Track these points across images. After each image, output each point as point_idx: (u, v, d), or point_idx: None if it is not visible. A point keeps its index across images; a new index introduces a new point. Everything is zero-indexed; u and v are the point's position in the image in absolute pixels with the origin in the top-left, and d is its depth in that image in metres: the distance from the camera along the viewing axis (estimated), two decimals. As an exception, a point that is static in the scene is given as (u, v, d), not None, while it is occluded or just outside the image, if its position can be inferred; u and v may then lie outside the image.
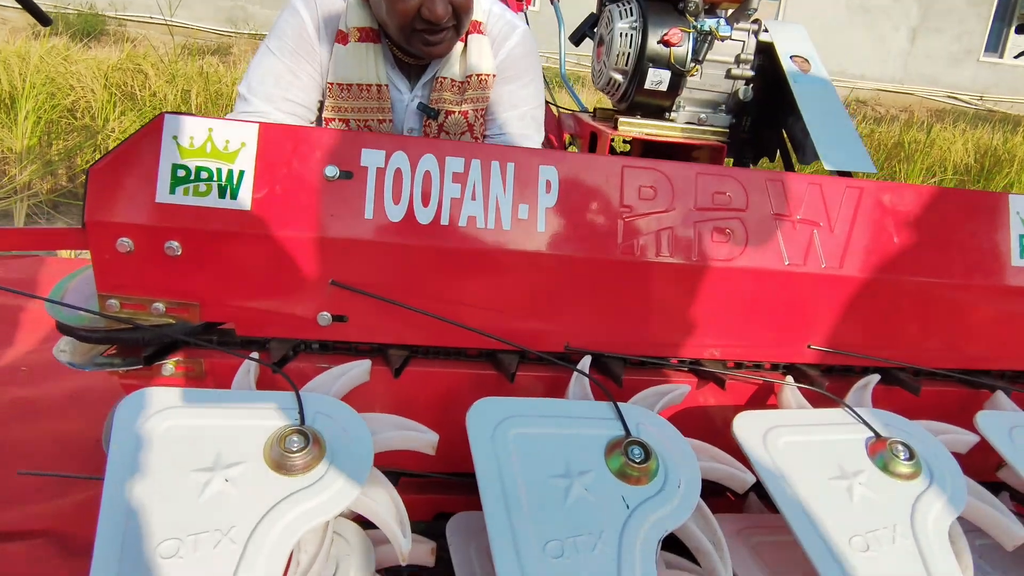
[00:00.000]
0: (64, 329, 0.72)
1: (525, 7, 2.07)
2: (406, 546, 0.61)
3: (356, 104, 1.17)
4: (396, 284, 0.75)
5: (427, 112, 1.21)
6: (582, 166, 0.77)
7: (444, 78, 1.20)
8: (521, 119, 1.29)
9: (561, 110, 1.62)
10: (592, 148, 1.35)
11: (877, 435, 0.76)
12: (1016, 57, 3.16)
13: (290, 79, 1.16)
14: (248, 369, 0.71)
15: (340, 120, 1.18)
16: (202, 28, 10.60)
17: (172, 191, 0.69)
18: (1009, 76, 13.00)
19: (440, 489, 0.88)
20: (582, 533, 0.59)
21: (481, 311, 0.78)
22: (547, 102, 1.42)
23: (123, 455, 0.57)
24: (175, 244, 0.70)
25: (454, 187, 0.74)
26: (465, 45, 1.20)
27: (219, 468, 0.57)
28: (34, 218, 2.80)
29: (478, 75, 1.21)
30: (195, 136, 0.70)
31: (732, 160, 1.36)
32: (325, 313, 0.75)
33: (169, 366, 0.75)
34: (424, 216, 0.74)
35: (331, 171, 0.72)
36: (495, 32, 1.24)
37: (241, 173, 0.71)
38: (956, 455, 0.76)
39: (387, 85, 1.18)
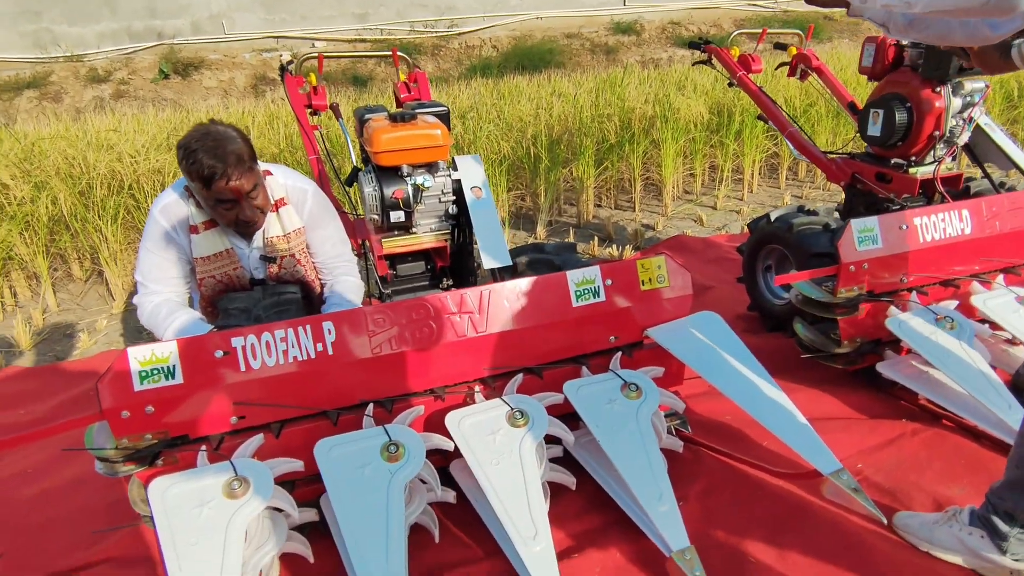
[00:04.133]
0: (103, 458, 1.44)
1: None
2: (296, 514, 1.42)
3: (216, 265, 1.88)
4: (265, 394, 1.52)
5: (267, 259, 1.94)
6: (349, 317, 1.57)
7: (272, 236, 1.92)
8: (334, 246, 2.06)
9: (356, 216, 2.38)
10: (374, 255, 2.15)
11: (510, 407, 1.64)
12: (693, 64, 4.16)
13: (167, 266, 1.86)
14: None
15: (209, 277, 1.89)
16: (9, 59, 10.00)
17: (141, 383, 1.42)
18: (798, -21, 14.56)
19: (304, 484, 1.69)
20: (373, 491, 1.42)
21: (314, 392, 1.57)
22: (346, 212, 2.18)
23: (161, 503, 1.33)
24: (150, 407, 1.43)
25: (282, 344, 1.52)
26: (278, 213, 1.92)
27: (204, 503, 1.35)
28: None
29: (295, 230, 1.95)
30: (146, 355, 1.42)
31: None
32: (233, 417, 1.52)
33: (159, 462, 1.49)
34: (271, 361, 1.51)
35: (219, 353, 1.47)
36: (295, 199, 1.96)
37: (174, 366, 1.44)
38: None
39: (232, 248, 1.89)
